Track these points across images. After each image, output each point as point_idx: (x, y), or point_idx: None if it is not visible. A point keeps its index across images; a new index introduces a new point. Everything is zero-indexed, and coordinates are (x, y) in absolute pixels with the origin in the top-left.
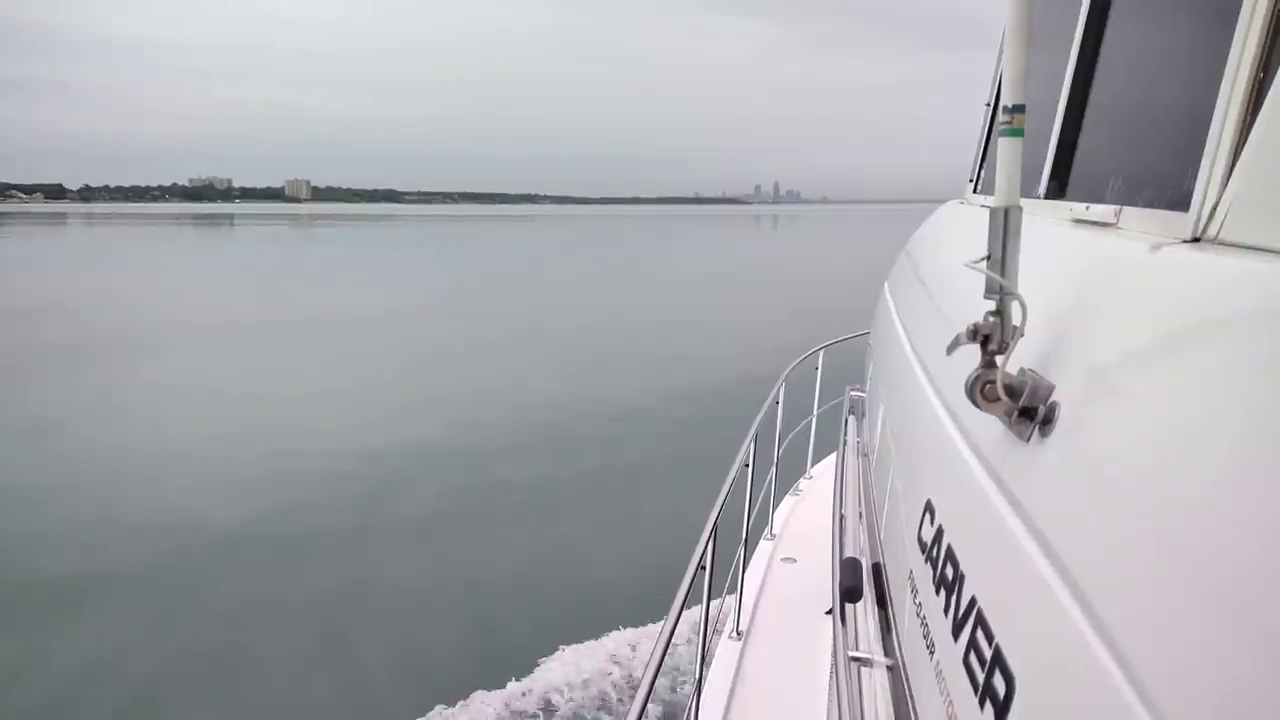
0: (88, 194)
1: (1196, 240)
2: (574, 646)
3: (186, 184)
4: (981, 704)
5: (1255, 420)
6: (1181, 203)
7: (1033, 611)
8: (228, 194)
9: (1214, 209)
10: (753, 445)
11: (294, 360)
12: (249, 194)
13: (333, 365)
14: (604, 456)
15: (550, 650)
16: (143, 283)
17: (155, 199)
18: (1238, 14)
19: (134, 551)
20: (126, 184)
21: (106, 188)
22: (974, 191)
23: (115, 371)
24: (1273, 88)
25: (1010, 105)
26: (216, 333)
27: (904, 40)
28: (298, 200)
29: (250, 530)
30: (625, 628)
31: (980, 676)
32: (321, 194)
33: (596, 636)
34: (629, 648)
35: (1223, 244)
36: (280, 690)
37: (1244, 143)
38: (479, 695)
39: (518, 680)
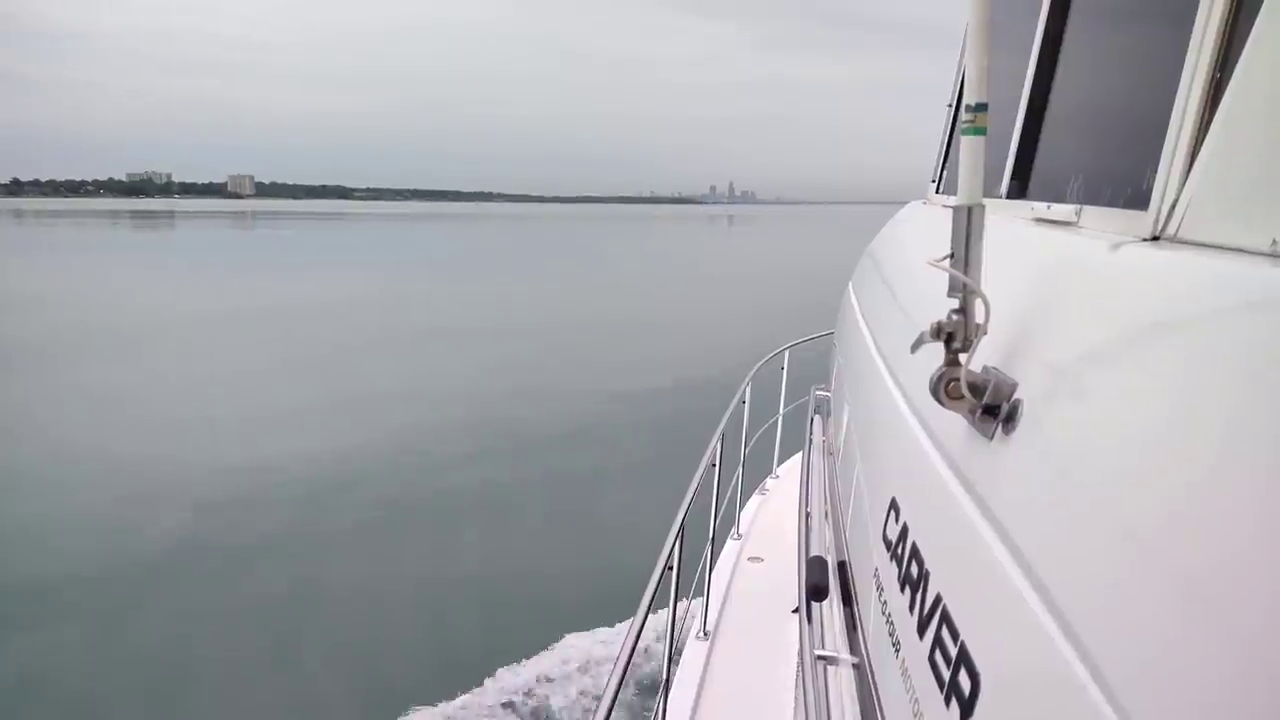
0: (16, 189)
1: (1156, 238)
2: (546, 647)
3: (124, 179)
4: (947, 701)
5: (1216, 416)
6: (1141, 201)
7: (997, 609)
8: (167, 189)
9: (1173, 207)
10: (719, 445)
11: (237, 361)
12: (189, 189)
13: (280, 364)
14: (563, 458)
15: (516, 651)
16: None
17: (90, 194)
18: (1195, 14)
19: (68, 560)
20: (60, 178)
21: (37, 182)
22: (936, 191)
23: (32, 374)
24: (1229, 86)
25: (973, 104)
26: (147, 332)
27: (862, 42)
28: (240, 196)
29: (189, 538)
30: (592, 628)
31: (946, 674)
32: (267, 190)
33: (560, 638)
34: (599, 646)
35: (1182, 242)
36: (225, 700)
37: (1202, 141)
38: (448, 698)
39: (479, 684)
